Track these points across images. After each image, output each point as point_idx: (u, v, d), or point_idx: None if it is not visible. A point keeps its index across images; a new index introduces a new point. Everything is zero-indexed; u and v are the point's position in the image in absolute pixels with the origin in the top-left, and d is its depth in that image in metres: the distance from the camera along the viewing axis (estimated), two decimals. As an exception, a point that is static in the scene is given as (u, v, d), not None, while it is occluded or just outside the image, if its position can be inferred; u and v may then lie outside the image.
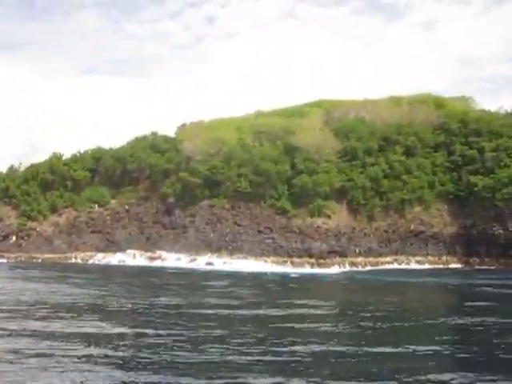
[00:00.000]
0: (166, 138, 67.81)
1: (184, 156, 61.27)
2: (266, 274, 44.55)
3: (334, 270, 49.85)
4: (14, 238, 58.42)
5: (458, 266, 55.23)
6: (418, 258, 55.68)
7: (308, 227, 54.93)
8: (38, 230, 58.30)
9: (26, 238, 57.95)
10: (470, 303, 27.59)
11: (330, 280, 42.22)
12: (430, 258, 56.42)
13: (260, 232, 55.51)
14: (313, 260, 52.06)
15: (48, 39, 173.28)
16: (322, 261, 51.98)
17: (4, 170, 67.45)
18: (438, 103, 69.68)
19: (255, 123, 67.77)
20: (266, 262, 51.00)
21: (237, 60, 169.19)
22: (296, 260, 51.94)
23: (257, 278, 40.76)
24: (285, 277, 42.60)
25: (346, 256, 53.44)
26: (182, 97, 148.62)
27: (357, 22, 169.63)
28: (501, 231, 55.84)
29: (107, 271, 46.67)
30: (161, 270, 47.00)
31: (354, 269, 51.29)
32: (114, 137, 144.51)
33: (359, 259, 53.30)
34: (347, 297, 32.01)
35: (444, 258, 56.91)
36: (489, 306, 26.02)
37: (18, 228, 58.66)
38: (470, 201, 58.27)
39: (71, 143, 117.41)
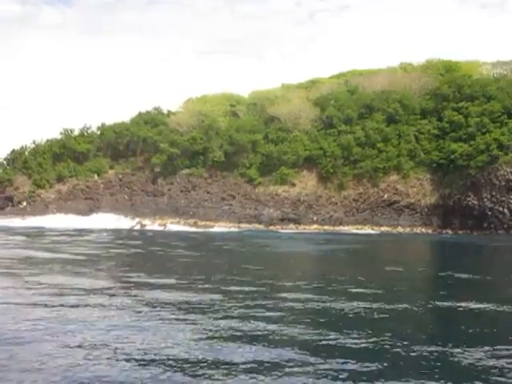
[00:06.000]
0: (169, 113, 71.58)
1: (170, 129, 64.62)
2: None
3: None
4: (24, 203, 66.14)
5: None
6: (383, 228, 53.64)
7: (267, 195, 55.65)
8: (42, 196, 65.36)
9: (32, 203, 65.29)
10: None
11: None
12: (400, 228, 54.16)
13: (223, 199, 57.31)
14: (262, 226, 52.80)
15: (167, 22, 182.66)
16: (271, 227, 52.53)
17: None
18: (449, 68, 65.80)
19: (250, 96, 69.09)
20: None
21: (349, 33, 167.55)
22: (244, 225, 52.99)
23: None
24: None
25: (299, 223, 53.39)
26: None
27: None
28: (475, 202, 51.95)
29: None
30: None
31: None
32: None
33: (313, 227, 52.90)
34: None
35: (418, 229, 54.34)
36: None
37: (28, 195, 66.21)
38: (449, 170, 54.85)
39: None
